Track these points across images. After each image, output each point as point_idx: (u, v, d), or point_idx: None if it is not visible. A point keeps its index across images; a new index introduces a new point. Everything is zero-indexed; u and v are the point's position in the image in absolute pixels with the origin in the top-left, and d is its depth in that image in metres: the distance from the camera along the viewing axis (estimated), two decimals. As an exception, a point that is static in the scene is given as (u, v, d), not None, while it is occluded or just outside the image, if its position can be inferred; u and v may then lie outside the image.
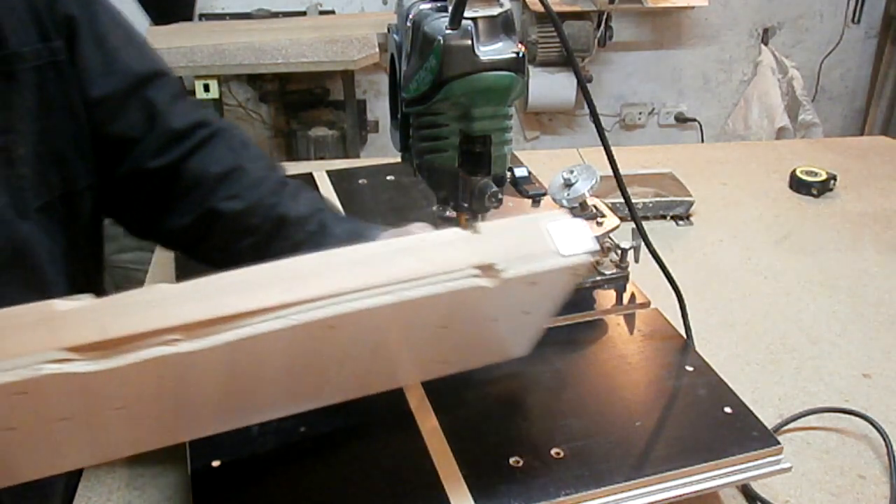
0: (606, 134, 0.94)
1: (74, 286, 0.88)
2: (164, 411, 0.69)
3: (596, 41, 3.20)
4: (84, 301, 0.59)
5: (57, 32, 0.84)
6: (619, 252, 1.10)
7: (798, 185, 1.59)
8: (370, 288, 0.65)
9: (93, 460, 0.81)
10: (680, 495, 0.80)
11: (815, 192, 1.57)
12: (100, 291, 0.96)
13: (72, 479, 0.92)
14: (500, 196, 0.92)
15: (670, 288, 1.02)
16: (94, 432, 0.67)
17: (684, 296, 1.02)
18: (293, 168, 1.55)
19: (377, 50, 2.78)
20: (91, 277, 0.97)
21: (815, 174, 1.59)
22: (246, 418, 0.80)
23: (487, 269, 0.69)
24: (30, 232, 0.84)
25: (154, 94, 0.91)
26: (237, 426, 0.79)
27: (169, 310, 0.60)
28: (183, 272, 1.15)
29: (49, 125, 0.85)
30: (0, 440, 0.62)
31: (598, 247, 0.74)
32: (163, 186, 0.92)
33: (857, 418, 1.00)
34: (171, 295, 0.61)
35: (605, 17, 3.17)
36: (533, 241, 0.72)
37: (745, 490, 0.90)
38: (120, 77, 0.89)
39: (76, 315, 0.58)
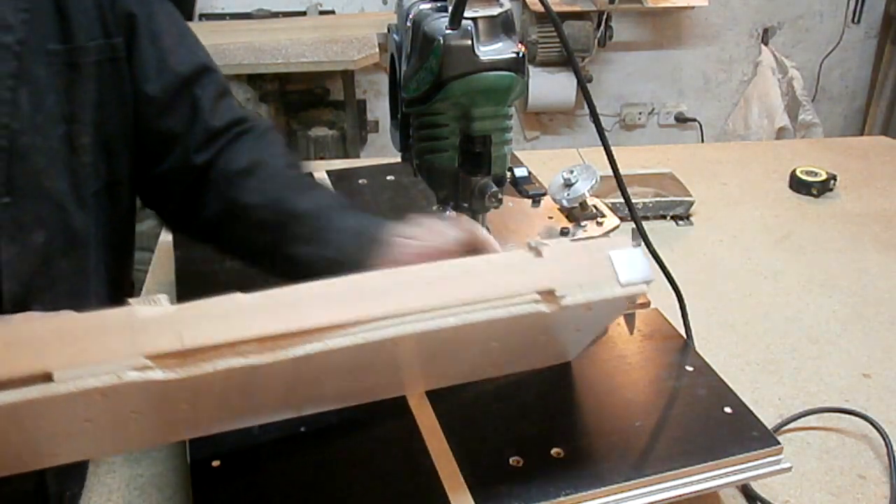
0: (606, 134, 0.94)
1: (109, 275, 0.93)
2: (224, 410, 0.74)
3: (596, 41, 3.20)
4: (163, 307, 0.62)
5: (118, 29, 0.88)
6: (619, 252, 1.10)
7: (798, 185, 1.59)
8: (436, 309, 0.68)
9: (136, 447, 0.86)
10: (680, 495, 0.80)
11: (815, 192, 1.57)
12: (128, 282, 1.01)
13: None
14: (500, 196, 0.92)
15: (670, 288, 1.02)
16: (157, 423, 0.72)
17: (684, 296, 1.02)
18: (293, 168, 1.55)
19: (377, 50, 2.78)
20: (123, 269, 1.00)
21: (815, 174, 1.59)
22: (290, 413, 0.83)
23: (548, 295, 0.71)
24: (84, 220, 0.87)
25: (200, 93, 0.94)
26: (281, 418, 0.83)
27: (243, 321, 0.63)
28: (183, 273, 1.15)
29: (103, 117, 0.88)
30: (75, 429, 0.66)
31: (653, 277, 0.76)
32: (198, 181, 0.95)
33: (857, 418, 1.00)
34: (245, 306, 0.64)
35: (605, 17, 3.17)
36: (594, 268, 0.74)
37: (745, 490, 0.90)
38: (171, 76, 0.92)
39: (155, 323, 0.61)
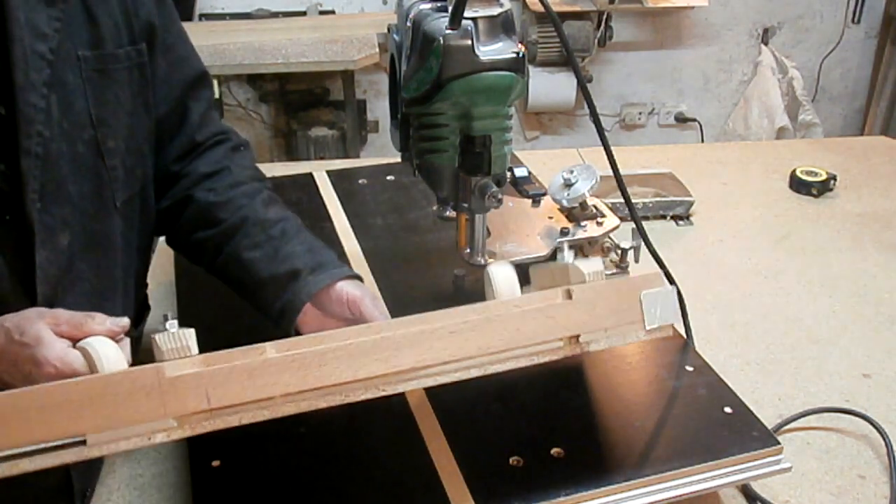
0: (606, 134, 0.94)
1: (135, 277, 0.97)
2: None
3: (596, 41, 3.19)
4: (190, 364, 0.64)
5: (141, 37, 0.90)
6: (619, 252, 1.10)
7: (798, 185, 1.59)
8: (460, 360, 0.69)
9: None
10: (680, 495, 0.80)
11: (815, 192, 1.57)
12: (145, 281, 1.05)
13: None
14: (500, 196, 0.92)
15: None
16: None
17: (684, 296, 1.02)
18: (293, 168, 1.56)
19: (377, 50, 2.77)
20: (145, 269, 1.03)
21: (815, 174, 1.59)
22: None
23: (572, 340, 0.73)
24: (113, 225, 0.89)
25: (192, 105, 0.98)
26: None
27: (268, 378, 0.65)
28: (183, 273, 1.15)
29: (133, 122, 0.90)
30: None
31: (678, 320, 0.77)
32: (167, 182, 0.99)
33: (857, 418, 1.00)
34: (270, 363, 0.65)
35: (605, 17, 3.16)
36: (623, 311, 0.74)
37: (745, 490, 0.90)
38: (173, 88, 0.96)
39: (183, 383, 0.63)
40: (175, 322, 0.66)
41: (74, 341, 0.70)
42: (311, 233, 0.97)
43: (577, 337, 0.73)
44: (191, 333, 0.65)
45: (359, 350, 0.67)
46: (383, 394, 0.68)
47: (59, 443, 0.61)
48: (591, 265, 0.76)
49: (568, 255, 0.80)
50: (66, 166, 0.82)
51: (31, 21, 0.77)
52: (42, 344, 0.69)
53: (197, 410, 0.63)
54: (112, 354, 0.67)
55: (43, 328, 0.70)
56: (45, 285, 0.80)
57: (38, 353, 0.68)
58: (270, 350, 0.65)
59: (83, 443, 0.61)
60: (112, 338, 0.70)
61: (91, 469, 0.90)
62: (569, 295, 0.73)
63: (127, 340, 0.73)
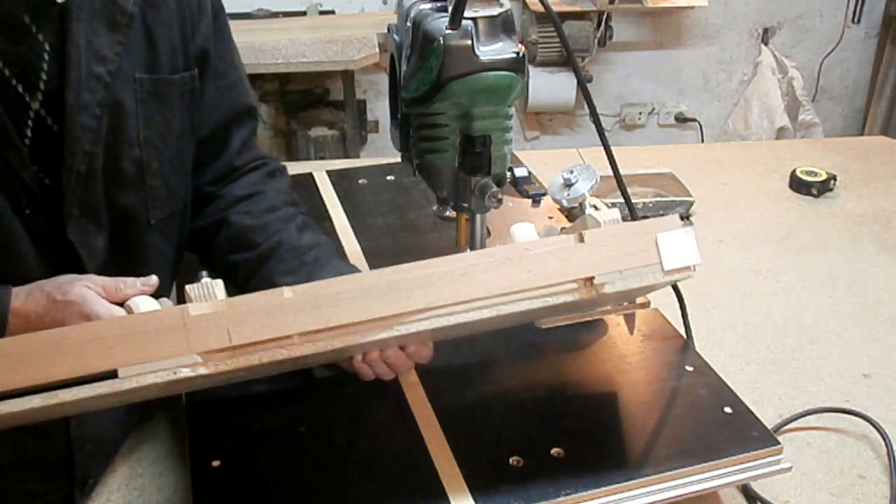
0: (606, 134, 0.94)
1: (164, 288, 0.97)
2: (277, 368, 0.79)
3: (596, 41, 3.19)
4: (213, 306, 0.67)
5: (195, 62, 0.92)
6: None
7: (798, 185, 1.59)
8: (471, 301, 0.70)
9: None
10: (680, 495, 0.80)
11: (815, 192, 1.57)
12: (169, 291, 1.06)
13: None
14: (500, 196, 0.92)
15: (670, 288, 1.02)
16: (214, 383, 0.78)
17: (684, 296, 1.02)
18: (293, 168, 1.55)
19: (377, 50, 2.77)
20: (172, 280, 1.04)
21: (815, 174, 1.59)
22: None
23: (587, 283, 0.72)
24: (148, 239, 0.91)
25: (235, 133, 1.00)
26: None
27: (287, 317, 0.68)
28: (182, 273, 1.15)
29: (183, 144, 0.93)
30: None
31: (700, 260, 0.74)
32: (202, 201, 1.01)
33: (857, 418, 1.00)
34: (289, 302, 0.68)
35: (605, 17, 3.16)
36: (638, 253, 0.73)
37: (745, 490, 0.90)
38: (220, 115, 0.98)
39: (206, 321, 0.67)
40: (204, 272, 0.71)
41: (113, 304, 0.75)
42: (345, 259, 0.99)
43: (592, 279, 0.72)
44: (219, 283, 0.69)
45: (372, 291, 0.69)
46: (397, 333, 0.69)
47: (94, 374, 0.65)
48: (608, 214, 0.77)
49: (588, 208, 0.81)
50: (107, 181, 0.84)
51: (91, 44, 0.80)
52: (88, 301, 0.74)
53: (219, 347, 0.66)
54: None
55: (84, 288, 0.74)
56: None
57: (87, 309, 0.73)
58: (287, 292, 0.68)
59: (115, 375, 0.65)
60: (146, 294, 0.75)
61: (94, 458, 0.90)
62: (581, 238, 0.73)
63: (166, 301, 0.78)
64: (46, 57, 0.78)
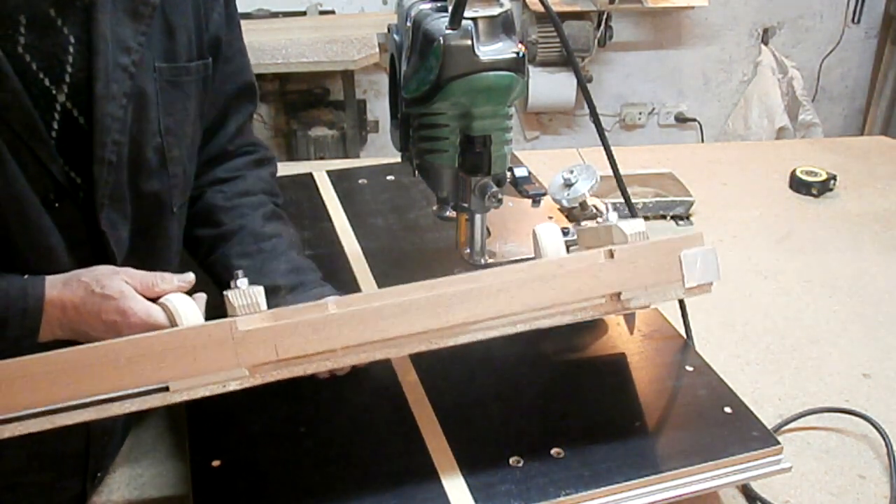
0: (606, 134, 0.94)
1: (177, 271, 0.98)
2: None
3: (596, 41, 3.19)
4: (259, 320, 0.70)
5: (209, 51, 0.93)
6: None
7: (798, 185, 1.59)
8: (506, 316, 0.73)
9: None
10: (680, 495, 0.80)
11: (815, 192, 1.57)
12: None
13: None
14: (500, 196, 0.92)
15: (670, 288, 1.02)
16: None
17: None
18: (293, 168, 1.55)
19: (377, 50, 2.77)
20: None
21: (815, 174, 1.59)
22: None
23: (614, 298, 0.76)
24: (171, 226, 0.93)
25: (232, 115, 1.01)
26: None
27: (331, 332, 0.70)
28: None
29: (196, 131, 0.94)
30: None
31: (720, 278, 0.78)
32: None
33: (857, 418, 1.00)
34: (333, 317, 0.70)
35: (605, 17, 3.16)
36: (663, 269, 0.77)
37: (745, 490, 0.90)
38: (221, 97, 0.98)
39: (253, 336, 0.69)
40: (245, 280, 0.73)
41: (148, 299, 0.76)
42: (302, 254, 1.00)
43: (619, 294, 0.75)
44: (260, 291, 0.71)
45: (413, 306, 0.72)
46: (436, 346, 0.72)
47: (146, 389, 0.67)
48: (634, 226, 0.80)
49: (612, 217, 0.83)
50: (132, 170, 0.84)
51: (116, 34, 0.80)
52: (126, 297, 0.75)
53: (266, 361, 0.69)
54: (189, 310, 0.74)
55: (123, 283, 0.75)
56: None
57: (124, 305, 0.74)
58: (332, 307, 0.71)
59: (166, 389, 0.67)
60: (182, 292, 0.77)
61: (105, 452, 0.92)
62: (611, 255, 0.76)
63: (202, 296, 0.79)
64: (72, 50, 0.78)
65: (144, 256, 0.87)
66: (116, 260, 0.83)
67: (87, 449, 0.88)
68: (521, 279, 0.74)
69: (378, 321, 0.71)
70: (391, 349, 0.72)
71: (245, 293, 0.70)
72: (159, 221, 0.90)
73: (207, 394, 0.68)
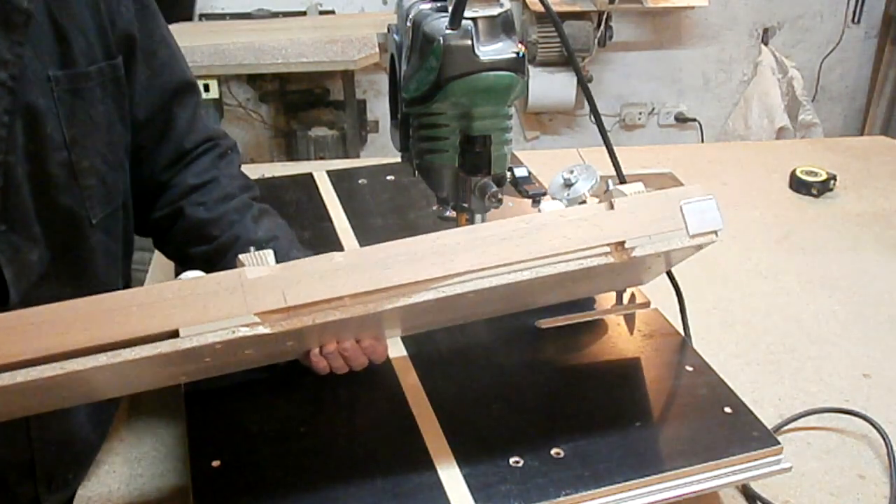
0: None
1: (121, 280, 0.97)
2: (325, 338, 0.85)
3: (596, 41, 3.19)
4: (268, 270, 0.71)
5: (118, 49, 0.88)
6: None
7: (798, 185, 1.59)
8: (511, 263, 0.74)
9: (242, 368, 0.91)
10: (680, 495, 0.80)
11: (815, 192, 1.57)
12: (129, 272, 1.04)
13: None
14: (500, 196, 0.92)
15: (670, 288, 1.02)
16: (265, 355, 0.84)
17: (684, 296, 1.02)
18: (293, 168, 1.56)
19: (377, 50, 2.77)
20: (128, 271, 1.02)
21: (815, 174, 1.59)
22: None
23: (618, 247, 0.77)
24: (92, 239, 0.88)
25: (178, 111, 0.97)
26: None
27: (338, 280, 0.71)
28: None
29: (113, 137, 0.89)
30: (195, 368, 0.81)
31: (722, 226, 0.79)
32: (157, 190, 0.99)
33: (857, 418, 1.00)
34: (340, 266, 0.72)
35: (605, 17, 3.16)
36: (665, 219, 0.78)
37: (745, 490, 0.90)
38: (156, 95, 0.94)
39: (262, 283, 0.70)
40: (269, 254, 0.74)
41: None
42: (301, 250, 0.98)
43: (623, 243, 0.76)
44: (269, 253, 0.72)
45: (418, 255, 0.73)
46: (442, 295, 0.72)
47: (156, 334, 0.67)
48: (633, 187, 0.81)
49: (612, 184, 0.84)
50: (34, 188, 0.80)
51: None
52: None
53: (275, 308, 0.69)
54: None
55: None
56: (17, 296, 0.80)
57: None
58: (338, 256, 0.72)
59: (176, 334, 0.67)
60: None
61: (61, 459, 0.90)
62: (611, 205, 0.78)
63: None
64: None
65: (65, 272, 0.84)
66: (12, 288, 0.79)
67: (32, 456, 0.87)
68: (524, 228, 0.75)
69: (385, 269, 0.72)
70: (398, 298, 0.72)
71: (255, 255, 0.72)
72: (80, 235, 0.86)
73: (217, 339, 0.68)
